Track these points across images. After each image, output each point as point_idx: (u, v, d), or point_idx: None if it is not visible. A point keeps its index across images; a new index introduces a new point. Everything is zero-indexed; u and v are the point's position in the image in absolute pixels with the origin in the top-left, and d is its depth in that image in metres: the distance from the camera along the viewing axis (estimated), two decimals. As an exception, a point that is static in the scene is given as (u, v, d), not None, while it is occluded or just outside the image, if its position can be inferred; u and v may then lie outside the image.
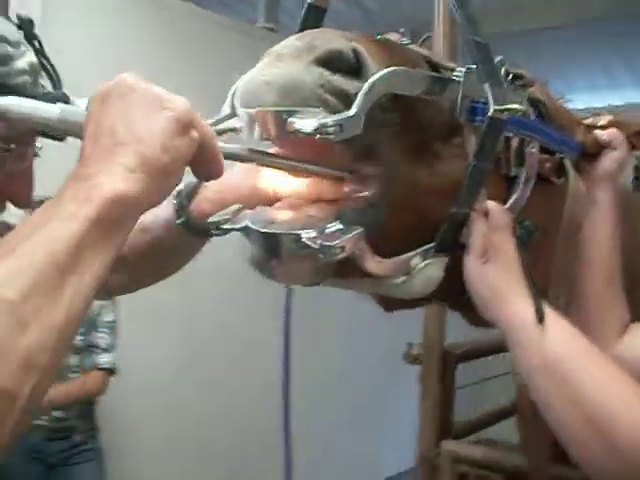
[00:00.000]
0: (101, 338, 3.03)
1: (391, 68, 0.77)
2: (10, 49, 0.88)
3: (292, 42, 0.81)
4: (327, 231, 0.77)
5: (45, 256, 0.61)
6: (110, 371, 3.01)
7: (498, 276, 0.88)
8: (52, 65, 0.95)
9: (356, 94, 0.75)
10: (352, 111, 0.73)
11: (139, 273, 1.16)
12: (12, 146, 0.90)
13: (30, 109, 0.69)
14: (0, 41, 0.88)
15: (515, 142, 0.99)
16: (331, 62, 0.77)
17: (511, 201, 0.98)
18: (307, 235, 0.75)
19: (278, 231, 0.77)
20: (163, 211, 1.05)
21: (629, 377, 0.85)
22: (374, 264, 0.82)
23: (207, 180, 0.79)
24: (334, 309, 3.63)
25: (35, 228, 0.63)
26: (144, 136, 0.68)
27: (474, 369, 2.56)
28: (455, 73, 0.86)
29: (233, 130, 0.87)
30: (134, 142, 0.67)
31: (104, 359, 3.01)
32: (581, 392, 0.83)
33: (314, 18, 1.04)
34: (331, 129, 0.73)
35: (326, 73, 0.76)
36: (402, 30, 1.01)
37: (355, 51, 0.79)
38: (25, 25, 0.93)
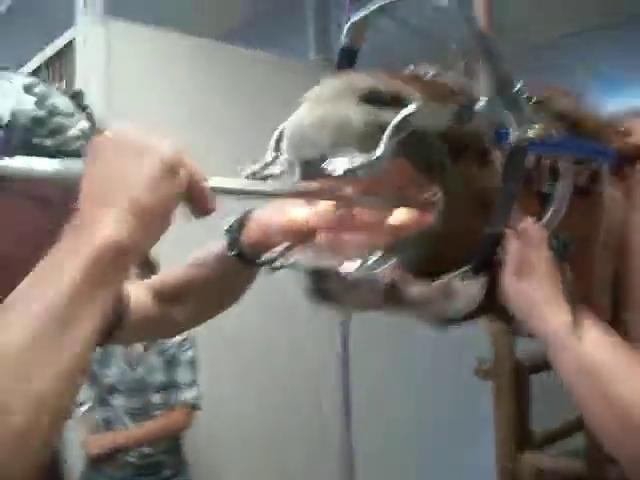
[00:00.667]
0: (182, 374, 3.14)
1: (414, 106, 0.82)
2: (63, 120, 0.96)
3: (330, 84, 0.87)
4: (366, 263, 0.83)
5: (44, 308, 0.66)
6: (194, 406, 3.12)
7: (534, 291, 0.91)
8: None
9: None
10: (378, 153, 0.79)
11: (201, 307, 1.27)
12: None
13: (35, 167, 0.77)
14: (54, 114, 0.95)
15: (547, 159, 1.03)
16: (373, 99, 0.83)
17: (547, 216, 1.01)
18: (347, 268, 0.82)
19: (321, 267, 0.84)
20: (217, 246, 1.18)
21: None
22: (415, 291, 0.88)
23: (201, 216, 0.81)
24: (397, 330, 3.67)
25: (34, 281, 0.69)
26: (132, 182, 0.73)
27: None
28: (480, 103, 0.91)
29: (273, 176, 0.93)
30: (123, 189, 0.72)
31: (187, 395, 3.11)
32: (617, 395, 0.85)
33: (348, 60, 1.11)
34: (359, 171, 0.79)
35: (372, 109, 0.82)
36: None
37: (398, 90, 0.85)
38: (76, 96, 1.01)
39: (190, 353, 3.19)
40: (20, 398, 0.64)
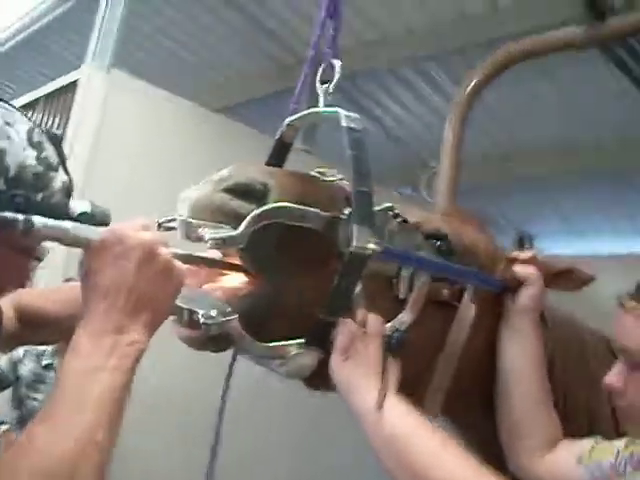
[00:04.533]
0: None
1: (279, 204, 1.02)
2: (52, 174, 0.99)
3: (223, 172, 1.07)
4: (212, 312, 1.01)
5: (96, 411, 0.82)
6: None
7: (353, 371, 1.06)
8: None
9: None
10: (237, 231, 0.99)
11: (52, 336, 1.56)
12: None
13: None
14: (48, 169, 0.98)
15: (407, 272, 1.19)
16: (239, 190, 1.04)
17: (399, 317, 1.17)
18: (200, 312, 1.00)
19: (185, 306, 1.03)
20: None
21: (454, 445, 1.00)
22: (249, 344, 1.04)
23: None
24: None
25: (85, 379, 0.84)
26: (159, 299, 0.92)
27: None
28: (343, 214, 1.09)
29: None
30: (151, 304, 0.91)
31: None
32: (414, 461, 0.98)
33: (278, 152, 1.33)
34: (218, 242, 0.99)
35: (227, 198, 1.03)
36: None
37: (264, 184, 1.05)
38: (55, 141, 1.03)
39: None
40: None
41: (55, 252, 0.99)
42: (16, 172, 0.93)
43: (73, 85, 3.79)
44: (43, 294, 1.47)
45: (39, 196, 0.95)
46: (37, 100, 4.07)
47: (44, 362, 3.46)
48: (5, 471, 0.78)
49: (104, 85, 3.72)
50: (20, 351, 3.50)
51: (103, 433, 0.82)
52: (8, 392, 3.53)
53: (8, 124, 0.96)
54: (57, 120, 3.82)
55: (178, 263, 0.96)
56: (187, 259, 1.04)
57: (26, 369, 3.46)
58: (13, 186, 0.92)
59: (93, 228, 0.94)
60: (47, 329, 1.45)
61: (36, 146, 0.98)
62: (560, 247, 6.03)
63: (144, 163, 3.78)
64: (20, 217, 0.88)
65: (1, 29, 5.32)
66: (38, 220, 0.89)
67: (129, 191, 3.52)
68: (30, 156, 0.96)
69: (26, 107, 4.02)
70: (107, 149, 3.62)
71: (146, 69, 4.57)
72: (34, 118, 3.81)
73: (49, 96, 3.99)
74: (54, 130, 1.12)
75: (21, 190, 0.93)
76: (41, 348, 3.49)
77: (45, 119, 3.92)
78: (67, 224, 0.93)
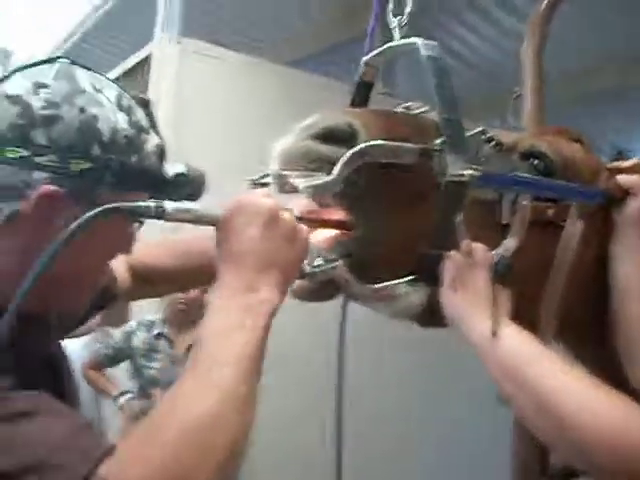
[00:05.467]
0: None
1: (368, 143, 1.00)
2: (144, 136, 1.00)
3: (308, 120, 1.06)
4: (316, 261, 1.01)
5: (236, 368, 0.84)
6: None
7: (464, 303, 1.05)
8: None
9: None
10: (331, 176, 0.97)
11: (170, 290, 1.85)
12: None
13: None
14: (140, 132, 1.00)
15: (507, 195, 1.16)
16: (326, 135, 1.02)
17: (504, 243, 1.15)
18: (304, 262, 1.00)
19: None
20: (202, 242, 1.38)
21: (577, 369, 0.99)
22: (357, 288, 1.04)
23: None
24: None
25: (222, 337, 0.87)
26: (286, 261, 0.94)
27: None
28: (435, 144, 1.06)
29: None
30: (279, 265, 0.92)
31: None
32: (539, 386, 0.95)
33: (362, 94, 1.30)
34: (313, 190, 0.98)
35: (315, 144, 1.01)
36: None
37: (350, 125, 1.03)
38: (147, 106, 1.06)
39: None
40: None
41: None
42: (109, 136, 0.94)
43: (147, 60, 3.84)
44: (155, 250, 1.51)
45: (133, 159, 0.97)
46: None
47: (155, 332, 3.58)
48: (154, 428, 0.80)
49: (176, 55, 3.75)
50: (132, 323, 3.64)
51: (245, 388, 0.84)
52: (126, 364, 3.68)
53: (97, 90, 0.97)
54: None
55: (301, 226, 0.97)
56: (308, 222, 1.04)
57: (139, 340, 3.60)
58: (108, 150, 0.94)
59: (217, 206, 0.96)
60: (162, 285, 1.53)
61: (126, 110, 0.99)
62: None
63: (228, 128, 3.80)
64: (152, 204, 0.90)
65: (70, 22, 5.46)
66: (169, 205, 0.91)
67: (216, 159, 3.55)
68: (121, 120, 0.97)
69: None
70: (188, 119, 3.65)
71: (216, 34, 4.57)
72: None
73: (125, 74, 4.06)
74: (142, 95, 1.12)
75: (116, 154, 0.94)
76: (151, 318, 3.61)
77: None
78: (196, 205, 0.95)
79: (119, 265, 1.37)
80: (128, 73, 4.05)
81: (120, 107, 0.98)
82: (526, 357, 0.99)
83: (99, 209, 0.84)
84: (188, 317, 3.47)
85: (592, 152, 1.40)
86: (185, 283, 1.77)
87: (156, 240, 1.55)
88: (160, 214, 0.90)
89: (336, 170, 0.97)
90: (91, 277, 1.06)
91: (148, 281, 1.45)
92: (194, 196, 1.05)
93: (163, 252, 1.50)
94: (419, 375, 4.30)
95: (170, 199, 0.93)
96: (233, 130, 3.81)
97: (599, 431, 0.90)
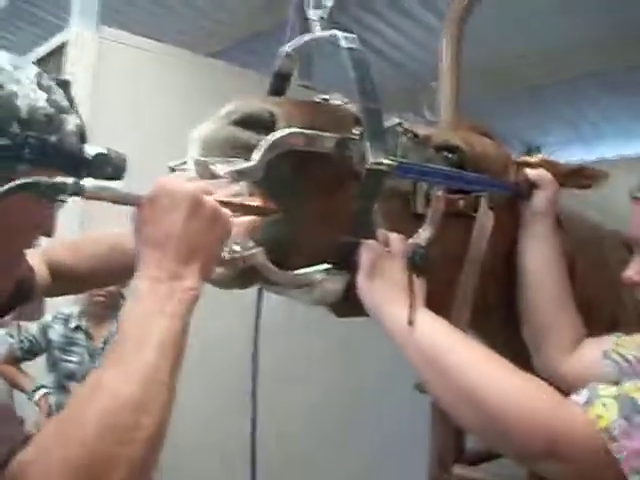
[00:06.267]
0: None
1: (289, 130, 1.01)
2: (64, 116, 0.99)
3: (228, 107, 1.07)
4: (235, 247, 1.02)
5: (158, 353, 0.84)
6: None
7: (381, 291, 1.06)
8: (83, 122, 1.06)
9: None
10: (251, 162, 0.98)
11: (85, 286, 1.78)
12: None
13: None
14: (59, 111, 0.98)
15: (423, 186, 1.20)
16: (247, 121, 1.03)
17: (419, 232, 1.19)
18: (229, 248, 1.01)
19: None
20: (113, 236, 1.46)
21: (495, 355, 1.00)
22: (275, 275, 1.05)
23: None
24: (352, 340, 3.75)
25: (143, 322, 0.86)
26: (209, 245, 0.93)
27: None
28: (355, 133, 1.08)
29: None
30: (202, 250, 0.92)
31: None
32: (457, 373, 0.97)
33: (277, 84, 1.32)
34: (234, 175, 0.99)
35: (236, 130, 1.02)
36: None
37: (271, 113, 1.04)
38: (65, 87, 1.04)
39: None
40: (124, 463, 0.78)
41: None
42: (28, 113, 0.93)
43: (62, 47, 3.74)
44: (72, 248, 1.49)
45: (53, 137, 0.96)
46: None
47: (72, 325, 3.51)
48: (74, 415, 0.79)
49: (94, 43, 3.67)
50: (48, 316, 3.56)
51: (166, 375, 0.84)
52: (42, 358, 3.60)
53: (16, 68, 0.96)
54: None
55: (224, 210, 0.96)
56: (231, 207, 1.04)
57: (56, 333, 3.51)
58: (26, 128, 0.93)
59: (138, 190, 0.95)
60: (79, 283, 1.52)
61: (46, 89, 0.98)
62: (566, 155, 5.98)
63: (147, 117, 3.74)
64: (69, 181, 0.88)
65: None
66: (88, 182, 0.90)
67: (134, 150, 3.50)
68: (41, 98, 0.96)
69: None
70: (105, 106, 3.58)
71: (134, 23, 4.49)
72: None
73: (40, 61, 3.94)
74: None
75: (35, 132, 0.93)
76: (67, 311, 3.53)
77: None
78: (115, 184, 0.95)
79: (37, 261, 1.35)
80: (43, 59, 3.93)
81: (40, 86, 0.97)
82: (445, 345, 1.01)
83: (14, 183, 0.83)
84: (106, 309, 3.41)
85: (502, 147, 1.46)
86: (105, 280, 1.78)
87: (74, 238, 1.54)
88: (78, 190, 0.88)
89: (256, 156, 0.99)
90: (9, 258, 1.04)
91: (66, 278, 1.43)
92: (115, 177, 1.04)
93: (82, 249, 1.48)
94: (334, 362, 4.35)
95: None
96: (151, 119, 3.75)
97: (522, 418, 0.92)
